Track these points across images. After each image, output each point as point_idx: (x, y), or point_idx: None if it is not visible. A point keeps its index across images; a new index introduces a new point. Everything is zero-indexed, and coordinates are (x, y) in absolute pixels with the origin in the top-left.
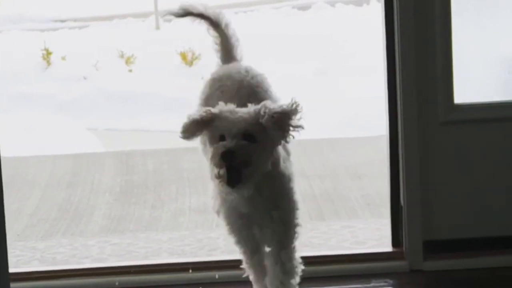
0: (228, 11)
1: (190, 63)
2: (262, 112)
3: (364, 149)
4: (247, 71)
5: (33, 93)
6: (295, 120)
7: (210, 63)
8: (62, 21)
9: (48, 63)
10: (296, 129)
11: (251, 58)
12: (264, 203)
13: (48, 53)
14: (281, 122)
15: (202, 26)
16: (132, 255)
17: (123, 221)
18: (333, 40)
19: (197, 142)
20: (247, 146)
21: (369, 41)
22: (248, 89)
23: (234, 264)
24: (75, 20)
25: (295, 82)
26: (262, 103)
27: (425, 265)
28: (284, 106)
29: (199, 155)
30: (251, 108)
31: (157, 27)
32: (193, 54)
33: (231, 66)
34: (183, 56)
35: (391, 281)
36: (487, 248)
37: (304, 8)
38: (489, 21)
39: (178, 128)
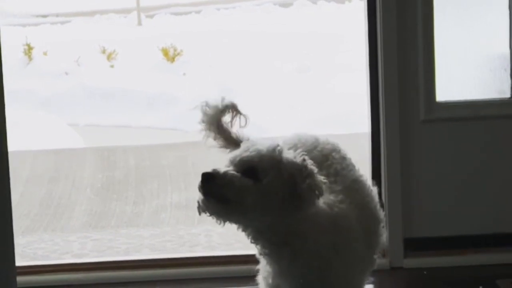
0: (210, 8)
1: (171, 59)
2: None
3: (345, 147)
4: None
5: (14, 88)
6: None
7: (191, 59)
8: (44, 16)
9: (30, 58)
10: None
11: (235, 55)
12: (299, 279)
13: (30, 48)
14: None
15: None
16: (113, 251)
17: (104, 217)
18: (315, 37)
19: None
20: (236, 178)
21: (351, 39)
22: None
23: (215, 261)
24: (57, 15)
25: (279, 79)
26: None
27: (405, 262)
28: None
29: (180, 151)
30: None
31: (139, 23)
32: (175, 50)
33: None
34: (165, 52)
35: (371, 278)
36: (467, 246)
37: (285, 5)
38: (471, 19)
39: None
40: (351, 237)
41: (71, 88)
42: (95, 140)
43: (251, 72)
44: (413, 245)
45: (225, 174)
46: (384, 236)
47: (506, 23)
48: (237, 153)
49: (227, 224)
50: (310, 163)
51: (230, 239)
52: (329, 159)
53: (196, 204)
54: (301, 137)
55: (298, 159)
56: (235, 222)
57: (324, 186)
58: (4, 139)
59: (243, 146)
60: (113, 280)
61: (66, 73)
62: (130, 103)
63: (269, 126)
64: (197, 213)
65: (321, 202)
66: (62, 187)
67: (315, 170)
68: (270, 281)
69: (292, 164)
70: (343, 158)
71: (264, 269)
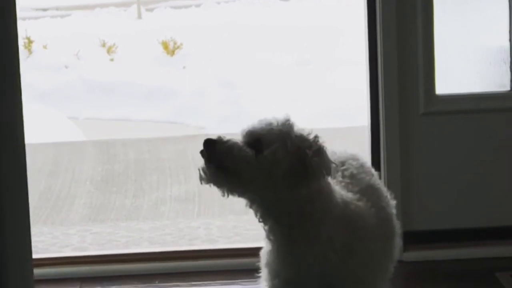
0: (210, 1)
1: (171, 53)
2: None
3: (345, 140)
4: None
5: None
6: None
7: (191, 52)
8: (44, 9)
9: (30, 51)
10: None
11: (235, 49)
12: (313, 269)
13: (30, 41)
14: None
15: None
16: (112, 244)
17: (104, 210)
18: (315, 31)
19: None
20: (236, 146)
21: (351, 32)
22: None
23: (215, 254)
24: (57, 8)
25: (278, 73)
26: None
27: (405, 256)
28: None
29: (180, 144)
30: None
31: (139, 17)
32: (175, 43)
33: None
34: (165, 45)
35: None
36: (466, 239)
37: None
38: (471, 12)
39: (158, 117)
40: (368, 236)
41: (71, 82)
42: (95, 133)
43: (250, 65)
44: (413, 239)
45: (227, 141)
46: (398, 248)
47: (506, 16)
48: (249, 125)
49: (227, 218)
50: (322, 141)
51: (229, 233)
52: (345, 164)
53: (198, 173)
54: None
55: (310, 136)
56: (234, 192)
57: (333, 167)
58: (21, 132)
59: (258, 120)
60: (112, 273)
61: (66, 67)
62: (130, 96)
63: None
64: (196, 206)
65: (338, 196)
66: (62, 180)
67: (326, 148)
68: (274, 267)
69: (300, 138)
70: (361, 165)
71: (267, 256)
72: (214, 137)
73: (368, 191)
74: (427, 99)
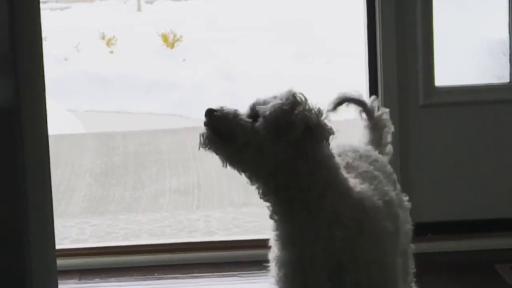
0: None
1: (171, 45)
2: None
3: (344, 132)
4: None
5: None
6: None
7: (191, 45)
8: (44, 2)
9: None
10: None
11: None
12: (318, 246)
13: None
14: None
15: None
16: (112, 236)
17: (103, 202)
18: (314, 23)
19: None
20: (232, 113)
21: (350, 25)
22: None
23: (214, 246)
24: (56, 1)
25: (277, 65)
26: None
27: None
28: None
29: (179, 137)
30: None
31: (139, 9)
32: (175, 36)
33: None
34: (165, 38)
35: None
36: (465, 231)
37: None
38: (470, 4)
39: (158, 110)
40: (377, 216)
41: (70, 74)
42: (95, 126)
43: (250, 57)
44: (413, 231)
45: (223, 108)
46: (410, 224)
47: (505, 8)
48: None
49: (226, 210)
50: (324, 117)
51: (228, 225)
52: (341, 155)
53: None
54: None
55: (315, 106)
56: (231, 160)
57: (331, 136)
58: (44, 123)
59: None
60: (112, 265)
61: (66, 59)
62: (130, 89)
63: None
64: (196, 198)
65: (345, 176)
66: (61, 172)
67: (327, 117)
68: (279, 254)
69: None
70: (360, 156)
71: (273, 246)
72: (214, 106)
73: (364, 176)
74: (426, 91)
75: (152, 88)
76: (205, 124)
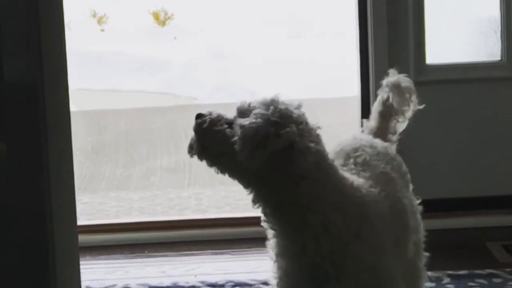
0: None
1: (162, 23)
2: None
3: (335, 110)
4: None
5: None
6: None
7: (182, 23)
8: None
9: None
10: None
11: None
12: (311, 270)
13: None
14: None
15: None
16: (103, 214)
17: (94, 180)
18: (306, 3)
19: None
20: (210, 121)
21: (341, 4)
22: None
23: (205, 223)
24: None
25: (269, 44)
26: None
27: None
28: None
29: (170, 115)
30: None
31: None
32: (166, 14)
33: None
34: (156, 16)
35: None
36: (457, 209)
37: None
38: None
39: (150, 88)
40: (379, 224)
41: None
42: (86, 104)
43: (242, 36)
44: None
45: (212, 114)
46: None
47: None
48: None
49: (217, 188)
50: (306, 126)
51: (219, 202)
52: (359, 150)
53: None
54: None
55: (297, 112)
56: (212, 166)
57: (313, 149)
58: (66, 98)
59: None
60: (102, 243)
61: None
62: (121, 67)
63: (260, 91)
64: (187, 176)
65: (342, 181)
66: None
67: (311, 129)
68: (274, 256)
69: (280, 111)
70: (378, 153)
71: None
72: (204, 111)
73: (381, 178)
74: (417, 68)
75: (143, 66)
76: (193, 128)
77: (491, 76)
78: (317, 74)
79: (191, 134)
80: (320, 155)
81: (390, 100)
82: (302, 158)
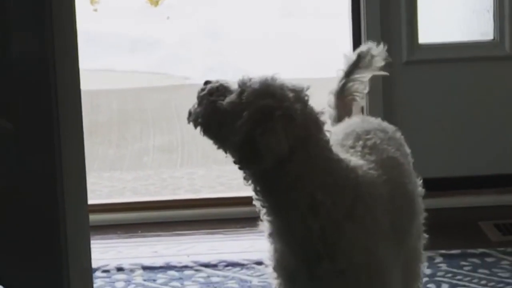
0: None
1: (155, 3)
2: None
3: (328, 90)
4: None
5: None
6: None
7: (175, 2)
8: None
9: None
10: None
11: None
12: (302, 251)
13: None
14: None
15: None
16: (96, 194)
17: (87, 160)
18: None
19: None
20: (205, 92)
21: None
22: None
23: (198, 203)
24: None
25: (262, 23)
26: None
27: None
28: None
29: (163, 95)
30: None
31: None
32: None
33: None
34: None
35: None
36: (449, 188)
37: None
38: None
39: (142, 68)
40: (375, 205)
41: None
42: None
43: (234, 16)
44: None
45: (213, 82)
46: (422, 226)
47: None
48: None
49: (210, 167)
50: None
51: (212, 182)
52: (370, 133)
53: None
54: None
55: (290, 88)
56: (204, 134)
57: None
58: (77, 75)
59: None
60: (95, 223)
61: None
62: (114, 46)
63: (253, 70)
64: (180, 156)
65: (338, 162)
66: None
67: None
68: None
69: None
70: (390, 138)
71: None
72: (213, 79)
73: (386, 163)
74: (410, 48)
75: (136, 46)
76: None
77: (483, 55)
78: (309, 53)
79: (184, 113)
80: (310, 134)
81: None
82: (279, 133)
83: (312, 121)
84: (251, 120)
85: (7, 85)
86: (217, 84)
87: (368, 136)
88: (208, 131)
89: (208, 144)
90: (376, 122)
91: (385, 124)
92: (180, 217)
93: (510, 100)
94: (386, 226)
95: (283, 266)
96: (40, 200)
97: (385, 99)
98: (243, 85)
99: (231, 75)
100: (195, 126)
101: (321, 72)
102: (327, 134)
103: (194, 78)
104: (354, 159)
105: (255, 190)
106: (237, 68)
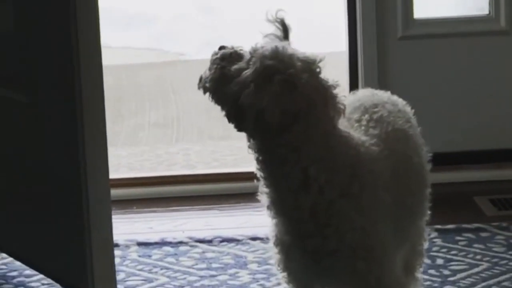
0: None
1: None
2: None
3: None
4: None
5: None
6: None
7: None
8: None
9: None
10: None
11: None
12: (293, 227)
13: None
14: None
15: None
16: None
17: None
18: None
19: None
20: (217, 57)
21: None
22: None
23: (193, 179)
24: None
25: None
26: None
27: None
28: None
29: (159, 71)
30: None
31: None
32: None
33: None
34: None
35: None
36: (444, 164)
37: None
38: None
39: (137, 44)
40: (376, 183)
41: None
42: None
43: None
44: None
45: (228, 48)
46: (427, 202)
47: None
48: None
49: (205, 143)
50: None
51: (208, 158)
52: (378, 106)
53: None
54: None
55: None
56: (211, 98)
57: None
58: (99, 52)
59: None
60: None
61: None
62: (109, 22)
63: (248, 45)
64: (175, 132)
65: (335, 136)
66: None
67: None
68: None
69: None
70: (399, 110)
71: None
72: (229, 45)
73: (391, 136)
74: (405, 23)
75: (131, 21)
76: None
77: (479, 30)
78: (304, 29)
79: (179, 89)
80: (315, 106)
81: None
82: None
83: (318, 94)
84: (249, 79)
85: (29, 58)
86: (230, 51)
87: (376, 109)
88: (214, 96)
89: (203, 120)
90: (386, 95)
91: (395, 97)
92: (175, 193)
93: (505, 74)
94: (387, 204)
95: (281, 241)
96: (63, 173)
97: (380, 74)
98: (253, 52)
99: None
100: (204, 92)
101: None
102: (340, 107)
103: (189, 54)
104: (357, 135)
105: (256, 159)
106: (233, 43)
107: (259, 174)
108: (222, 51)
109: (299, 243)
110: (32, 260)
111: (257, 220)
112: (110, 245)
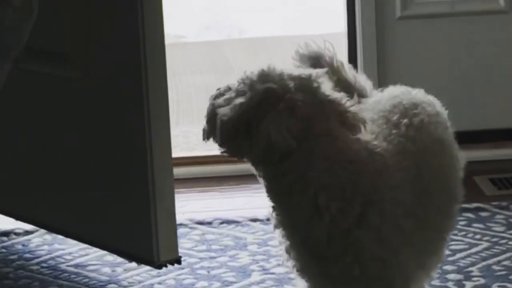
0: None
1: None
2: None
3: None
4: None
5: None
6: None
7: None
8: None
9: None
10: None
11: None
12: (306, 249)
13: None
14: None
15: None
16: None
17: None
18: None
19: None
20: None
21: None
22: None
23: (194, 161)
24: None
25: None
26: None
27: None
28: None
29: None
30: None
31: None
32: None
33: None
34: None
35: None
36: None
37: None
38: None
39: None
40: (396, 211)
41: None
42: None
43: None
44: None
45: (223, 89)
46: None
47: None
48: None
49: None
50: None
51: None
52: (418, 108)
53: None
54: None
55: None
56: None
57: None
58: (161, 28)
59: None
60: None
61: None
62: None
63: (247, 28)
64: (175, 114)
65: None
66: None
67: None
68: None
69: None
70: (437, 113)
71: None
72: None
73: (429, 151)
74: (403, 3)
75: None
76: None
77: (476, 10)
78: (302, 10)
79: (179, 71)
80: (314, 125)
81: None
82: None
83: (317, 110)
84: (252, 103)
85: (95, 32)
86: (223, 88)
87: (416, 111)
88: (213, 135)
89: (203, 102)
90: (420, 93)
91: (430, 97)
92: (175, 175)
93: (504, 54)
94: (409, 229)
95: (295, 259)
96: (128, 147)
97: (379, 55)
98: (241, 80)
99: (227, 34)
100: (207, 138)
101: (314, 28)
102: (351, 121)
103: (189, 36)
104: (382, 154)
105: (265, 187)
106: (232, 26)
107: (268, 202)
108: (216, 91)
109: (316, 265)
110: (94, 238)
111: (257, 202)
112: (173, 215)
